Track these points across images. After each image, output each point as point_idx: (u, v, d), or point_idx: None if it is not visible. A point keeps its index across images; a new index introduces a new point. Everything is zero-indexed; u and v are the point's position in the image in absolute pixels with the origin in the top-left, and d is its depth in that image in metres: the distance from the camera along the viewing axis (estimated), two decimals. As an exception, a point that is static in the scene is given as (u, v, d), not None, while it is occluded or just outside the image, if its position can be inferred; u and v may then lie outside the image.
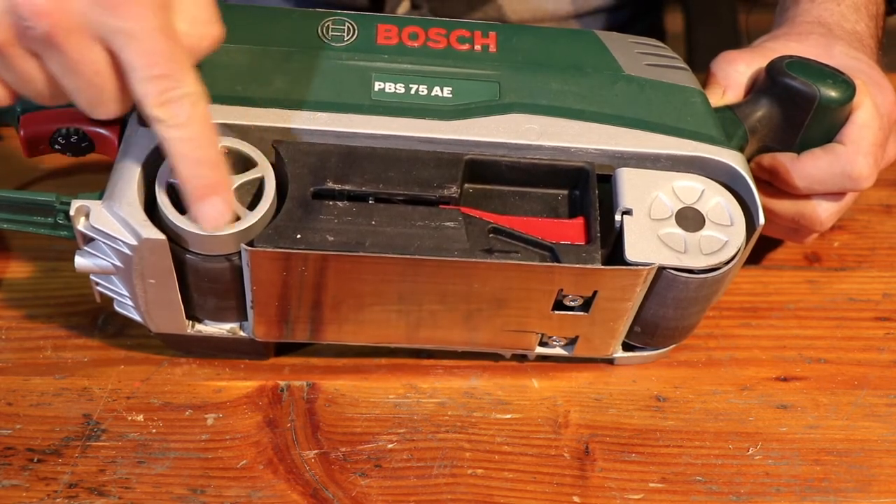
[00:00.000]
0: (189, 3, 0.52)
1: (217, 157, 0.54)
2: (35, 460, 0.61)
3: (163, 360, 0.67)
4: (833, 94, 0.65)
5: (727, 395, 0.67)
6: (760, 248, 0.73)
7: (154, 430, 0.63)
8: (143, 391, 0.65)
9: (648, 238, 0.59)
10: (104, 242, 0.57)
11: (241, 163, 0.58)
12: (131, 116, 0.60)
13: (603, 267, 0.58)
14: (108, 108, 0.53)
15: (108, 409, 0.64)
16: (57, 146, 0.62)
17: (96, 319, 0.69)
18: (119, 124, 0.61)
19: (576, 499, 0.61)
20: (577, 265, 0.57)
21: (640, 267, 0.58)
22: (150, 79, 0.51)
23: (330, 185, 0.58)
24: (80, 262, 0.59)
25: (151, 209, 0.57)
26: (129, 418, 0.64)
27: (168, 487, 0.61)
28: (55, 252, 0.72)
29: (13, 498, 0.60)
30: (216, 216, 0.55)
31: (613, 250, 0.60)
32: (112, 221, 0.56)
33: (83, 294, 0.69)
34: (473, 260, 0.57)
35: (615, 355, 0.67)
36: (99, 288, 0.62)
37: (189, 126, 0.52)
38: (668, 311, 0.62)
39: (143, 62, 0.51)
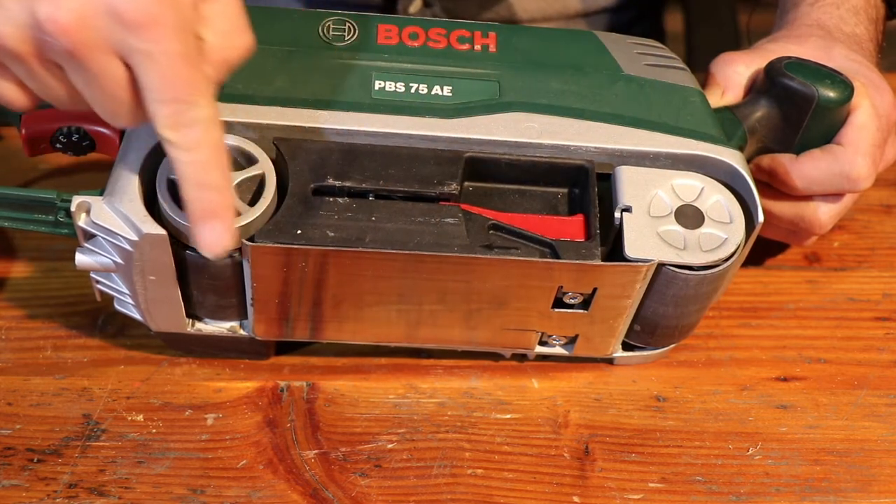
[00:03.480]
0: (219, 15, 0.52)
1: (224, 182, 0.54)
2: (35, 460, 0.61)
3: (163, 360, 0.67)
4: (831, 94, 0.65)
5: (727, 395, 0.67)
6: (760, 248, 0.73)
7: (154, 430, 0.63)
8: (143, 391, 0.65)
9: (648, 235, 0.59)
10: (105, 238, 0.57)
11: (243, 159, 0.59)
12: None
13: (602, 263, 0.58)
14: (128, 119, 0.53)
15: (108, 409, 0.64)
16: (58, 145, 0.62)
17: (96, 319, 0.69)
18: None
19: (576, 499, 0.61)
20: (577, 261, 0.57)
21: (639, 263, 0.58)
22: (164, 101, 0.51)
23: (330, 181, 0.58)
24: (81, 259, 0.59)
25: (152, 205, 0.57)
26: (129, 418, 0.64)
27: (168, 487, 0.60)
28: (55, 252, 0.72)
29: (13, 498, 0.60)
30: (214, 240, 0.54)
31: (613, 248, 0.60)
32: (113, 217, 0.56)
33: (83, 294, 0.69)
34: (473, 256, 0.57)
35: (615, 355, 0.67)
36: (99, 286, 0.62)
37: (198, 150, 0.52)
38: (667, 310, 0.62)
39: (159, 85, 0.51)
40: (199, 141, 0.52)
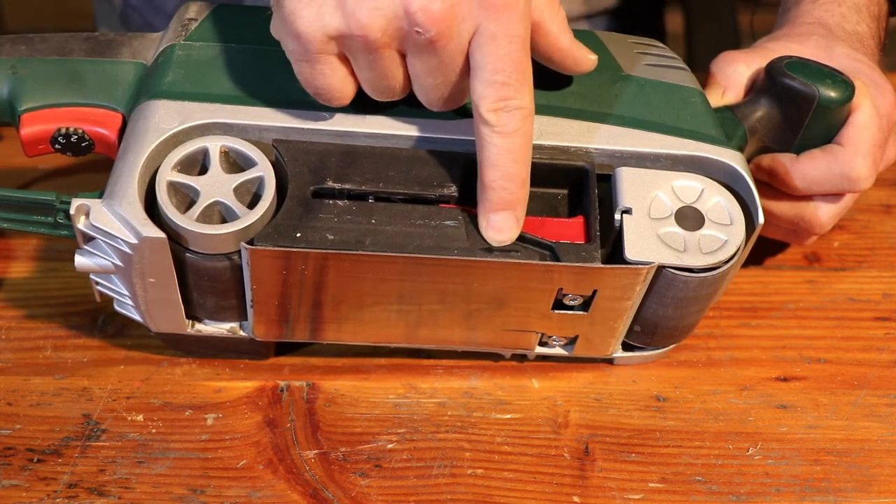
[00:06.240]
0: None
1: (526, 175, 0.56)
2: (35, 460, 0.61)
3: (163, 360, 0.67)
4: (832, 93, 0.65)
5: (727, 395, 0.67)
6: (760, 248, 0.73)
7: (154, 430, 0.63)
8: (143, 391, 0.65)
9: (648, 237, 0.59)
10: (104, 241, 0.57)
11: (241, 161, 0.58)
12: (132, 115, 0.60)
13: (602, 266, 0.58)
14: (452, 103, 0.57)
15: (108, 409, 0.64)
16: (57, 146, 0.62)
17: (96, 319, 0.69)
18: (120, 124, 0.61)
19: (576, 499, 0.61)
20: (577, 264, 0.57)
21: (639, 266, 0.58)
22: (495, 83, 0.53)
23: (330, 183, 0.58)
24: (80, 261, 0.59)
25: (151, 208, 0.57)
26: (129, 418, 0.64)
27: (168, 487, 0.60)
28: (55, 252, 0.72)
29: (13, 498, 0.60)
30: (505, 229, 0.57)
31: (613, 249, 0.60)
32: (112, 220, 0.56)
33: (83, 294, 0.69)
34: (473, 258, 0.57)
35: (615, 355, 0.67)
36: (99, 287, 0.62)
37: (513, 138, 0.55)
38: (667, 311, 0.62)
39: (493, 66, 0.53)
40: (517, 128, 0.54)
